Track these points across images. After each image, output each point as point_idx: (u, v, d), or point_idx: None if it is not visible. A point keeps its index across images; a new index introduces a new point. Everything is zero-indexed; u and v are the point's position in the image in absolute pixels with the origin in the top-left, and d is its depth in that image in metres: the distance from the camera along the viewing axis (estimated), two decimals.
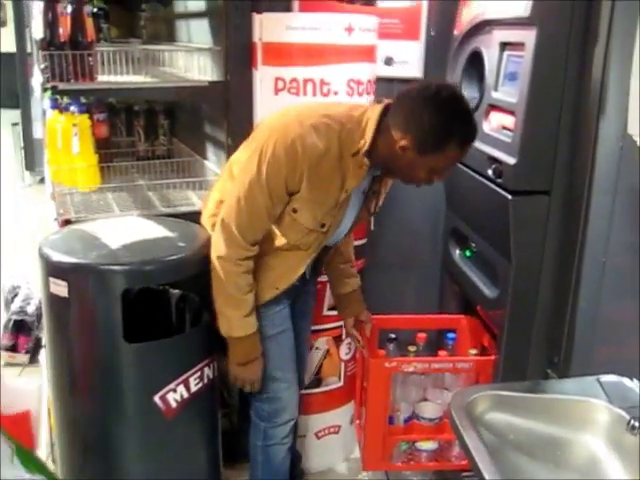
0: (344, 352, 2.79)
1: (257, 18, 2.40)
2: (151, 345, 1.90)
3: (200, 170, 2.79)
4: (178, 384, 1.96)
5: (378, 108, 1.86)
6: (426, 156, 1.79)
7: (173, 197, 2.61)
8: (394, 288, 2.83)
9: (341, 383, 2.83)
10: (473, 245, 2.59)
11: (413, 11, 2.68)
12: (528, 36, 1.98)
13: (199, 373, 2.01)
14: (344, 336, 2.76)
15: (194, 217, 2.46)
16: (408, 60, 2.72)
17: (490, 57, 2.28)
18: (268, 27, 2.40)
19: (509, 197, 2.07)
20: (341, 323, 2.72)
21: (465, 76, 2.50)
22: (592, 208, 1.98)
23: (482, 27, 2.32)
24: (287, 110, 1.99)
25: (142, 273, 1.86)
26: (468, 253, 2.65)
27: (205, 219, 2.12)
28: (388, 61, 2.71)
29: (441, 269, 2.88)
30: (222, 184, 2.09)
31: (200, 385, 2.02)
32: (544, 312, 2.20)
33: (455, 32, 2.53)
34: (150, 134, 3.24)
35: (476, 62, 2.40)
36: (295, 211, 1.88)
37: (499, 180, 2.13)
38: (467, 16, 2.43)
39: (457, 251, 2.72)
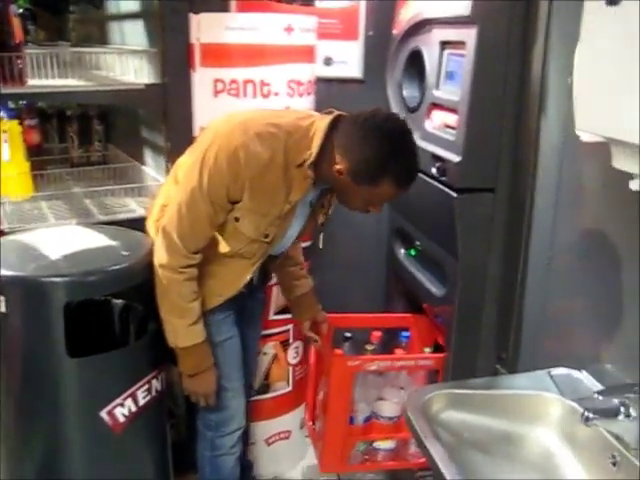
0: (292, 356, 2.76)
1: (194, 19, 2.34)
2: (96, 359, 1.82)
3: (138, 176, 2.71)
4: (125, 398, 1.89)
5: (326, 120, 1.79)
6: (359, 186, 1.75)
7: (111, 204, 2.52)
8: (339, 289, 2.80)
9: (290, 388, 2.80)
10: (418, 244, 2.60)
11: (351, 11, 2.67)
12: (469, 35, 1.99)
13: (147, 386, 1.95)
14: (291, 340, 2.73)
15: (134, 224, 2.38)
16: (347, 60, 2.71)
17: (430, 56, 2.29)
18: (206, 28, 2.34)
19: (454, 195, 2.09)
20: (288, 327, 2.70)
21: (405, 75, 2.51)
22: (536, 205, 2.01)
23: (421, 26, 2.33)
24: (233, 115, 1.93)
25: (84, 284, 1.78)
26: (413, 252, 2.66)
27: (150, 224, 2.06)
28: (327, 61, 2.69)
29: (386, 269, 2.89)
30: (167, 189, 2.03)
31: (148, 398, 1.96)
32: (491, 309, 2.22)
33: (394, 32, 2.53)
34: (84, 140, 3.11)
35: (416, 61, 2.41)
36: (237, 220, 1.82)
37: (443, 178, 2.14)
38: (405, 15, 2.44)
39: (402, 250, 2.73)
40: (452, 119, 2.13)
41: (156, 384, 2.00)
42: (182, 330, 1.90)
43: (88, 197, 2.59)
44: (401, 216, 2.67)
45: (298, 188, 1.81)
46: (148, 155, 2.76)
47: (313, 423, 2.57)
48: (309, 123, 1.82)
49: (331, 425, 2.28)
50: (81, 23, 3.72)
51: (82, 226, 2.15)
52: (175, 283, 1.86)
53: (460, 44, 2.08)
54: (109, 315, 2.13)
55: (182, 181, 1.87)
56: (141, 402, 1.94)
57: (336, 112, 1.85)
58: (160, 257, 1.86)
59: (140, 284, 1.90)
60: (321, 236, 2.06)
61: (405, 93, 2.50)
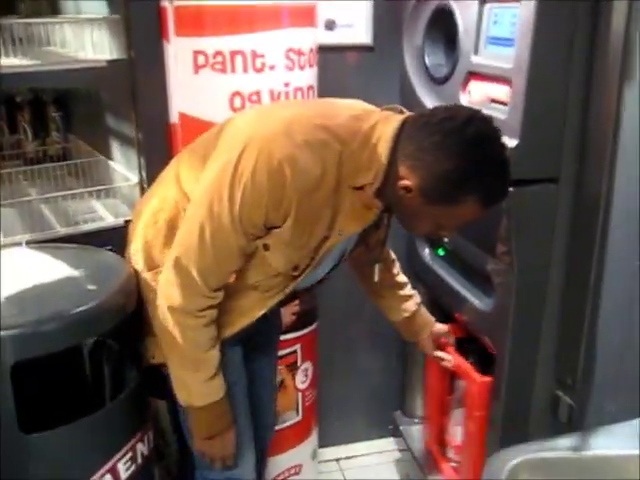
0: (300, 381, 2.33)
1: None
2: (60, 432, 1.37)
3: (105, 174, 2.23)
4: (104, 474, 1.45)
5: (393, 124, 1.34)
6: (433, 206, 1.34)
7: (74, 211, 2.05)
8: (350, 294, 2.37)
9: (299, 417, 2.37)
10: (446, 242, 2.18)
11: None
12: None
13: (130, 454, 1.51)
14: (299, 362, 2.30)
15: (103, 237, 1.93)
16: (353, 23, 2.22)
17: (465, 13, 1.84)
18: None
19: (510, 188, 1.65)
20: (295, 348, 2.27)
21: (428, 39, 2.06)
22: (617, 197, 1.59)
23: None
24: (268, 112, 1.49)
25: (37, 338, 1.31)
26: (441, 252, 2.23)
27: (137, 232, 1.60)
28: (329, 25, 2.21)
29: (406, 269, 2.45)
30: (163, 190, 1.59)
31: (133, 468, 1.53)
32: (552, 325, 1.81)
33: None
34: (39, 130, 2.65)
35: (443, 21, 1.96)
36: (267, 248, 1.40)
37: None
38: None
39: (426, 249, 2.30)
40: (501, 92, 1.69)
41: (142, 448, 1.57)
42: (198, 386, 1.48)
43: (45, 202, 2.11)
44: None
45: (352, 217, 1.37)
46: (116, 148, 2.28)
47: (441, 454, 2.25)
48: (369, 126, 1.35)
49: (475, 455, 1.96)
50: None
51: (35, 248, 1.67)
52: (191, 330, 1.42)
53: None
54: (76, 360, 1.67)
55: (203, 200, 1.39)
56: (124, 475, 1.50)
57: (401, 110, 1.42)
58: (172, 298, 1.41)
59: (116, 326, 1.44)
60: (376, 268, 1.63)
61: (428, 61, 2.05)
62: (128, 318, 1.48)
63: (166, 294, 1.42)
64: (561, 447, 1.34)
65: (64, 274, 1.49)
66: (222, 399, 1.52)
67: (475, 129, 1.29)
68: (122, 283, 1.46)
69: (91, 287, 1.44)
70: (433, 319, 1.91)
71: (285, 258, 1.42)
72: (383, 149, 1.32)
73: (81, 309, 1.37)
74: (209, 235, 1.36)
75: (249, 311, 1.51)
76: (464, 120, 1.29)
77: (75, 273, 1.50)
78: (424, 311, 1.90)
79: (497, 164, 1.33)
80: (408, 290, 1.87)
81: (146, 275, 1.55)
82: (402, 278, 1.87)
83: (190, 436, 1.59)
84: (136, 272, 1.55)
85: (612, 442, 1.36)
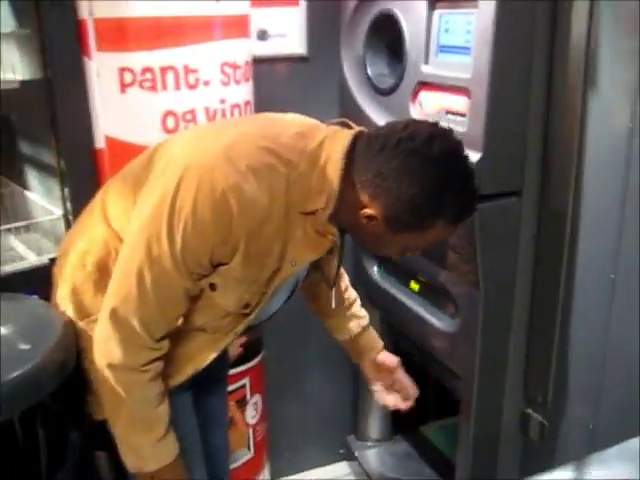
0: (250, 415, 2.19)
1: None
2: None
3: (22, 206, 2.01)
4: None
5: (342, 142, 1.21)
6: (401, 234, 1.22)
7: None
8: (294, 317, 2.24)
9: (251, 453, 2.22)
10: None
11: None
12: None
13: None
14: (248, 396, 2.15)
15: (27, 278, 1.73)
16: (287, 32, 2.09)
17: (410, 20, 1.74)
18: None
19: None
20: (244, 381, 2.12)
21: (369, 48, 1.95)
22: (585, 207, 1.53)
23: None
24: (206, 135, 1.32)
25: None
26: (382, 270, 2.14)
27: (66, 274, 1.40)
28: (262, 35, 2.07)
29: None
30: (90, 227, 1.39)
31: None
32: (520, 342, 1.74)
33: None
34: None
35: (385, 28, 1.85)
36: (214, 288, 1.25)
37: None
38: None
39: (374, 267, 2.19)
40: (458, 102, 1.60)
41: None
42: (149, 449, 1.30)
43: None
44: None
45: (306, 245, 1.23)
46: (32, 176, 2.05)
47: None
48: (316, 145, 1.21)
49: None
50: None
51: None
52: (136, 387, 1.26)
53: (464, 1, 1.55)
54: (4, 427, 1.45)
55: (138, 238, 1.21)
56: None
57: (348, 124, 1.29)
58: (110, 354, 1.23)
59: (56, 389, 1.25)
60: (333, 293, 1.49)
61: (371, 71, 1.94)
62: (69, 376, 1.29)
63: (104, 351, 1.24)
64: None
65: None
66: (176, 458, 1.35)
67: (438, 147, 1.17)
68: (59, 337, 1.27)
69: (24, 346, 1.24)
70: (380, 344, 1.71)
71: (235, 296, 1.27)
72: (333, 171, 1.18)
73: (16, 374, 1.17)
74: (150, 281, 1.19)
75: (198, 356, 1.35)
76: (425, 139, 1.17)
77: (2, 329, 1.29)
78: (371, 335, 1.71)
79: (464, 180, 1.22)
80: (356, 308, 1.70)
81: (79, 324, 1.37)
82: (351, 294, 1.70)
83: None
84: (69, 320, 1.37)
85: (610, 471, 1.28)
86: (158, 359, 1.27)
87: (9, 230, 1.88)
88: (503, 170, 1.57)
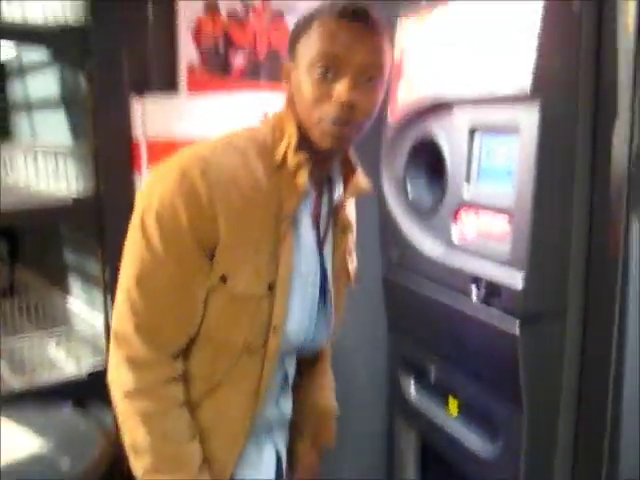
0: None
1: (138, 104, 1.77)
2: None
3: (63, 313, 2.04)
4: None
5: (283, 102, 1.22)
6: (296, 56, 1.15)
7: (30, 359, 1.83)
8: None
9: None
10: (433, 372, 2.04)
11: None
12: (524, 115, 1.51)
13: None
14: None
15: (66, 388, 1.73)
16: None
17: (451, 143, 1.79)
18: (155, 116, 1.77)
19: (516, 327, 1.56)
20: None
21: (410, 170, 1.99)
22: (629, 328, 1.52)
23: (435, 108, 1.83)
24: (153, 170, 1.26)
25: None
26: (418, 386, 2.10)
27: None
28: None
29: (388, 407, 2.30)
30: None
31: None
32: (565, 469, 1.68)
33: (389, 119, 2.03)
34: None
35: (425, 150, 1.91)
36: (225, 279, 1.14)
37: (495, 304, 1.61)
38: (407, 97, 1.94)
39: (411, 382, 2.15)
40: (500, 225, 1.63)
41: None
42: None
43: None
44: (407, 341, 2.11)
45: (290, 195, 1.17)
46: (76, 284, 2.09)
47: None
48: (265, 122, 1.23)
49: None
50: None
51: None
52: (156, 418, 1.14)
53: (505, 128, 1.60)
54: None
55: (124, 262, 1.16)
56: None
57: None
58: (121, 381, 1.15)
59: None
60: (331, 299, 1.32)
61: (412, 194, 1.99)
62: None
63: (117, 380, 1.15)
64: None
65: (30, 451, 1.26)
66: None
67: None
68: (99, 455, 1.26)
69: (65, 466, 1.22)
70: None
71: (250, 273, 1.15)
72: (285, 115, 1.19)
73: None
74: (136, 288, 1.12)
75: (226, 427, 1.21)
76: None
77: (42, 447, 1.27)
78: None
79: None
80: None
81: None
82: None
83: None
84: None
85: None
86: (174, 380, 1.16)
87: (49, 337, 1.90)
88: (546, 292, 1.57)
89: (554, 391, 1.63)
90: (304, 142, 1.16)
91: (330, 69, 1.08)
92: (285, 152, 1.16)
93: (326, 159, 1.20)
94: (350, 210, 1.33)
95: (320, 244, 1.26)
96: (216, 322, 1.16)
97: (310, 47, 1.11)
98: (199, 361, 1.18)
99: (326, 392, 1.50)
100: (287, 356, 1.28)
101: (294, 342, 1.24)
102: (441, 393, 2.00)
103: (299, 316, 1.22)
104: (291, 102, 1.18)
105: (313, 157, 1.17)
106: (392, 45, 1.16)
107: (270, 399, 1.27)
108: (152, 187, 1.14)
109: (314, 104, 1.10)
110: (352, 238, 1.36)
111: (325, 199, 1.26)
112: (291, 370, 1.32)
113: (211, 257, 1.13)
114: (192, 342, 1.17)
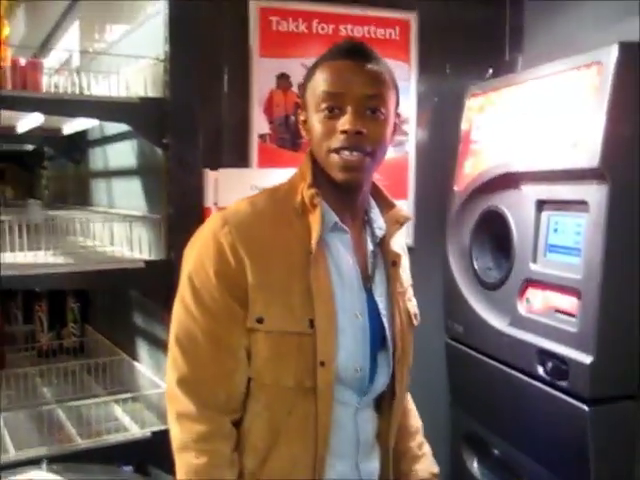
0: None
1: (210, 176, 1.84)
2: None
3: (129, 375, 2.08)
4: None
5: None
6: (305, 99, 1.21)
7: (95, 418, 1.87)
8: None
9: None
10: (496, 452, 1.98)
11: (399, 163, 2.19)
12: (594, 193, 1.50)
13: None
14: None
15: (129, 451, 1.75)
16: None
17: (518, 219, 1.78)
18: (226, 187, 1.83)
19: (585, 408, 1.51)
20: None
21: (475, 242, 1.99)
22: None
23: (502, 181, 1.84)
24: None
25: None
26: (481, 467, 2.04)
27: None
28: None
29: None
30: None
31: None
32: None
33: (455, 188, 2.05)
34: (55, 321, 2.53)
35: (492, 223, 1.91)
36: (261, 320, 1.14)
37: (562, 383, 1.57)
38: (475, 169, 1.96)
39: (474, 462, 2.09)
40: (568, 302, 1.60)
41: None
42: None
43: (60, 405, 1.94)
44: (472, 417, 2.06)
45: (306, 230, 1.18)
46: (143, 348, 2.14)
47: None
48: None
49: None
50: (56, 180, 3.23)
51: (51, 470, 1.48)
52: (202, 471, 1.12)
53: (574, 204, 1.59)
54: None
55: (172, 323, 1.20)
56: None
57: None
58: (174, 437, 1.16)
59: None
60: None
61: (477, 265, 1.97)
62: None
63: (172, 436, 1.15)
64: None
65: None
66: None
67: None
68: None
69: None
70: None
71: (285, 312, 1.14)
72: (304, 165, 1.22)
73: None
74: (183, 339, 1.15)
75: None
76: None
77: None
78: None
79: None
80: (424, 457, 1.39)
81: None
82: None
83: None
84: None
85: None
86: (222, 438, 1.14)
87: (115, 398, 1.94)
88: (617, 373, 1.53)
89: (626, 475, 1.57)
90: (324, 181, 1.18)
91: (335, 107, 1.13)
92: (302, 194, 1.19)
93: (349, 192, 1.20)
94: (398, 242, 1.29)
95: (366, 281, 1.22)
96: (264, 366, 1.15)
97: (315, 90, 1.16)
98: (258, 413, 1.16)
99: (421, 458, 1.38)
100: (354, 407, 1.20)
101: (349, 379, 1.17)
102: (505, 474, 1.93)
103: (351, 352, 1.17)
104: (309, 148, 1.22)
105: (335, 192, 1.19)
106: (393, 80, 1.19)
107: (345, 457, 1.21)
108: (187, 254, 1.21)
109: (323, 138, 1.14)
110: (407, 277, 1.33)
111: (367, 237, 1.25)
112: (366, 426, 1.23)
113: (247, 303, 1.14)
114: (248, 396, 1.17)
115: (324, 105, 1.14)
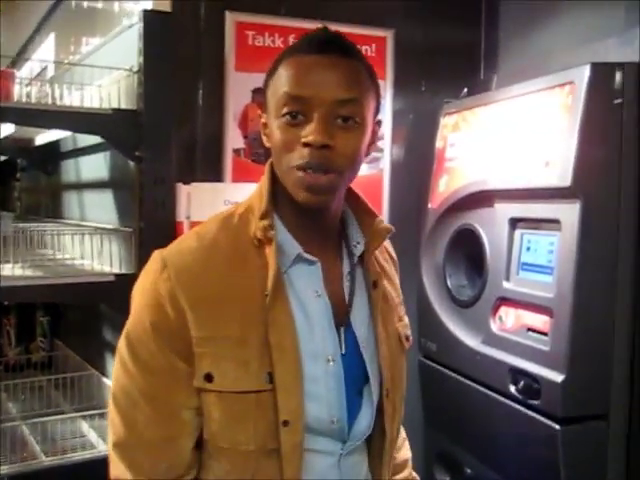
0: None
1: (183, 190, 1.82)
2: None
3: (97, 391, 2.04)
4: None
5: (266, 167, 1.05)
6: (266, 99, 0.99)
7: (60, 434, 1.83)
8: None
9: None
10: (469, 471, 1.97)
11: (373, 180, 2.18)
12: (566, 211, 1.51)
13: None
14: None
15: (98, 468, 1.71)
16: None
17: (492, 237, 1.79)
18: (199, 201, 1.81)
19: (557, 427, 1.51)
20: None
21: (449, 260, 1.99)
22: None
23: (477, 199, 1.84)
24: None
25: None
26: None
27: None
28: None
29: None
30: None
31: None
32: None
33: (430, 206, 2.05)
34: (23, 335, 2.49)
35: (466, 241, 1.91)
36: (210, 378, 0.96)
37: (534, 402, 1.57)
38: (449, 187, 1.96)
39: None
40: (540, 321, 1.60)
41: None
42: None
43: (25, 421, 1.90)
44: (446, 436, 2.05)
45: (262, 266, 0.98)
46: (112, 363, 2.09)
47: None
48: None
49: None
50: (29, 191, 3.19)
51: None
52: None
53: (546, 223, 1.59)
54: None
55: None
56: None
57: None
58: None
59: None
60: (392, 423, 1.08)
61: (451, 282, 1.97)
62: None
63: None
64: None
65: None
66: None
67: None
68: None
69: None
70: None
71: (238, 369, 0.95)
72: (264, 182, 1.02)
73: None
74: (114, 396, 0.99)
75: None
76: None
77: None
78: None
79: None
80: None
81: None
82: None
83: None
84: None
85: None
86: None
87: (82, 415, 1.90)
88: (588, 392, 1.53)
89: None
90: (286, 201, 0.99)
91: (299, 112, 0.93)
92: (256, 226, 0.99)
93: (314, 214, 1.00)
94: (381, 257, 1.12)
95: (341, 312, 1.02)
96: (218, 427, 0.97)
97: (276, 90, 0.96)
98: (219, 477, 1.00)
99: None
100: (338, 455, 1.02)
101: (325, 431, 1.00)
102: None
103: (324, 403, 0.99)
104: (270, 159, 1.02)
105: (298, 214, 1.00)
106: (373, 80, 1.00)
107: None
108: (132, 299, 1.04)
109: (283, 151, 0.94)
110: (397, 293, 1.15)
111: (344, 258, 1.05)
112: (353, 471, 1.05)
113: (192, 359, 0.97)
114: (207, 456, 1.00)
115: (285, 109, 0.93)
